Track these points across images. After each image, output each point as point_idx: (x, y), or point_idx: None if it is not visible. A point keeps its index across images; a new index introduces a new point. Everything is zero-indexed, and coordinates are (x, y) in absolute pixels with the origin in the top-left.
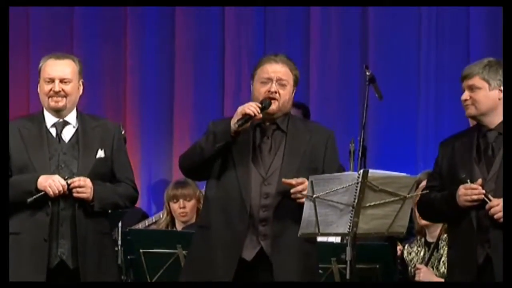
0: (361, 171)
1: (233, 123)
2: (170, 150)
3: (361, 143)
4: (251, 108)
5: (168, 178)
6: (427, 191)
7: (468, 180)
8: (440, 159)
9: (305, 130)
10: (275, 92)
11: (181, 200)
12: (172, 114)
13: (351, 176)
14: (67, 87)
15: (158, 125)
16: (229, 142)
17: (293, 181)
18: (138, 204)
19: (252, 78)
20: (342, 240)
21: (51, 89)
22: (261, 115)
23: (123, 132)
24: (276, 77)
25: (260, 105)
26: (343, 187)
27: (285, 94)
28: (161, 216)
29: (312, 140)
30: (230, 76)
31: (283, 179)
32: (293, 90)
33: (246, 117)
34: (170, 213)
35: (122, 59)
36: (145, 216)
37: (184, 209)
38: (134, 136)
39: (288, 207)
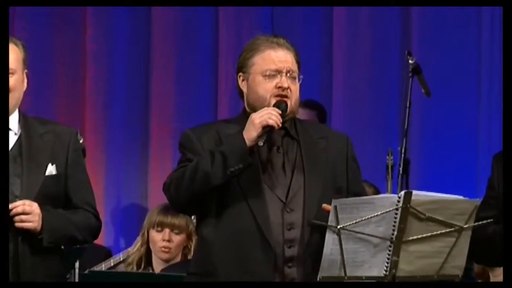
0: (402, 193)
1: (251, 139)
2: (145, 165)
3: (402, 155)
4: (273, 117)
5: (143, 203)
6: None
7: None
8: (495, 179)
9: (318, 135)
10: (288, 89)
11: (167, 230)
12: (147, 119)
13: (389, 200)
14: (11, 80)
15: (129, 133)
16: (250, 164)
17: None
18: (100, 239)
19: (243, 70)
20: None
21: None
22: (281, 124)
23: (81, 141)
24: (287, 69)
25: (280, 112)
26: (377, 215)
27: (296, 90)
28: (133, 248)
29: (329, 149)
30: (226, 74)
31: (324, 205)
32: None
33: (267, 129)
34: (147, 243)
35: (79, 45)
36: (109, 254)
37: (168, 243)
38: (96, 147)
39: (320, 241)
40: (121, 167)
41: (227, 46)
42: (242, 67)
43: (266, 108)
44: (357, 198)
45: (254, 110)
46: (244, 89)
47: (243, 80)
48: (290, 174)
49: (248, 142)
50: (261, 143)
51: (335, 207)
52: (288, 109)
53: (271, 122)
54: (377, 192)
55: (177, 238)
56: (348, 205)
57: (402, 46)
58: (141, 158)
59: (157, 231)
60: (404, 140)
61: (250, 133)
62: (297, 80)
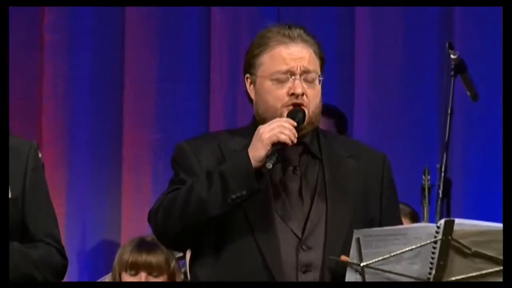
0: (442, 221)
1: (258, 159)
2: (117, 187)
3: (442, 174)
4: (286, 132)
5: (114, 237)
6: None
7: None
8: None
9: (347, 153)
10: (303, 95)
11: (142, 274)
12: (119, 128)
13: (425, 231)
14: None
15: (96, 146)
16: (257, 191)
17: None
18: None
19: (250, 71)
20: None
21: None
22: (296, 139)
23: (39, 156)
24: (301, 68)
25: (295, 124)
26: (411, 249)
27: (316, 95)
28: None
29: (360, 170)
30: (220, 71)
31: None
32: (322, 84)
33: (278, 147)
34: None
35: (35, 36)
36: None
37: None
38: (56, 163)
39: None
40: (86, 190)
41: (221, 35)
42: (249, 67)
43: (277, 119)
44: (385, 228)
45: (265, 121)
46: (252, 95)
47: (250, 84)
48: (309, 202)
49: (254, 163)
50: (269, 165)
51: (358, 240)
52: (306, 119)
53: (283, 137)
54: (415, 215)
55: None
56: (374, 237)
57: (442, 37)
58: (111, 178)
59: (131, 275)
60: (445, 156)
61: (257, 151)
62: (316, 82)
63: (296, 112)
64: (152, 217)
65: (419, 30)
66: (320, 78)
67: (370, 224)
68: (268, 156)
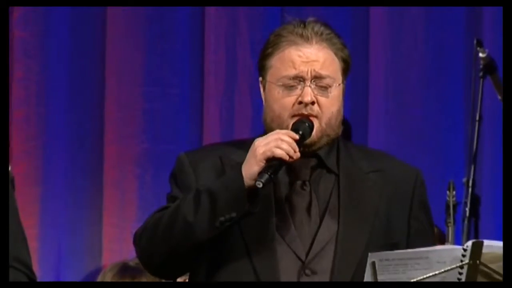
0: (469, 243)
1: (251, 176)
2: (98, 205)
3: (470, 190)
4: (283, 146)
5: (94, 262)
6: None
7: None
8: None
9: (371, 168)
10: (313, 104)
11: None
12: (100, 138)
13: (450, 254)
14: None
15: (74, 158)
16: (248, 213)
17: None
18: None
19: (262, 73)
20: None
21: None
22: (299, 154)
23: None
24: (312, 73)
25: (297, 136)
26: (434, 275)
27: (331, 104)
28: None
29: (385, 187)
30: (216, 71)
31: None
32: (343, 90)
33: (274, 163)
34: None
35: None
36: None
37: None
38: (27, 177)
39: None
40: (62, 207)
41: (216, 34)
42: (260, 69)
43: (276, 131)
44: (404, 251)
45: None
46: (263, 101)
47: (264, 89)
48: (318, 221)
49: (247, 181)
50: (259, 184)
51: (373, 264)
52: (315, 131)
53: (278, 152)
54: (443, 237)
55: None
56: (392, 262)
57: (469, 33)
58: (91, 194)
59: None
60: (472, 169)
61: (251, 167)
62: (332, 88)
63: (301, 123)
64: (137, 240)
65: (442, 26)
66: (337, 84)
67: (393, 249)
68: (259, 174)
